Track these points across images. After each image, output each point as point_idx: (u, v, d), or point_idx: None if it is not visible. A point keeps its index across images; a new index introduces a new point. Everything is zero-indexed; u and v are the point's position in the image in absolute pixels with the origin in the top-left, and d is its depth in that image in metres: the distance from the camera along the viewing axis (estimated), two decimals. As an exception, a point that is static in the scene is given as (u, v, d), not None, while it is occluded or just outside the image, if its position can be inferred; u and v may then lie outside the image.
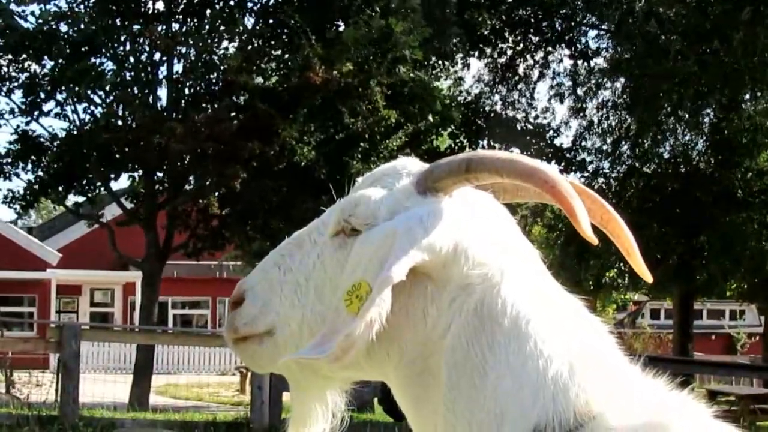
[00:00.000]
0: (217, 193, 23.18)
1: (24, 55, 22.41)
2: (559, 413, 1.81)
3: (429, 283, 1.97)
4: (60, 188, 23.03)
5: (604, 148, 28.25)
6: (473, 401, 1.88)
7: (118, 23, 22.50)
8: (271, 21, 23.60)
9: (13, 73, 22.64)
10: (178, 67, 23.24)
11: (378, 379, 2.13)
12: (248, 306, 2.18)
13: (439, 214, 1.97)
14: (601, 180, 28.09)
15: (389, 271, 1.87)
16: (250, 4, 24.03)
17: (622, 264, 25.62)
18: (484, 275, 1.95)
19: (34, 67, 22.72)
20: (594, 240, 1.92)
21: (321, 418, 2.15)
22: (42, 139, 22.84)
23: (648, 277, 2.23)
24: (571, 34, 28.55)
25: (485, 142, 27.61)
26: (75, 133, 22.69)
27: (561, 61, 29.75)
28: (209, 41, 22.93)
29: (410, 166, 2.14)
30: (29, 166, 22.80)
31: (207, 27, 22.93)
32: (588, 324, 1.98)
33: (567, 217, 1.92)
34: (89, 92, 22.29)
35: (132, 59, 23.00)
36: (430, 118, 23.03)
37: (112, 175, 23.72)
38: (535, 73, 29.46)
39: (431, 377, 1.96)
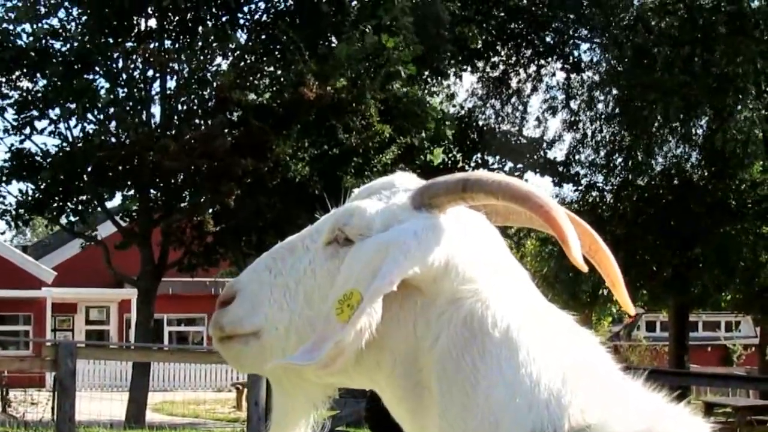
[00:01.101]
0: (211, 210, 23.16)
1: (17, 73, 22.42)
2: (553, 422, 1.81)
3: (419, 296, 1.99)
4: (54, 206, 23.00)
5: (598, 161, 28.27)
6: (466, 410, 1.88)
7: (111, 41, 22.50)
8: (264, 37, 23.65)
9: (6, 91, 22.62)
10: (171, 84, 23.29)
11: (366, 387, 2.13)
12: (236, 306, 2.19)
13: (433, 229, 1.98)
14: (595, 193, 28.13)
15: (381, 282, 1.90)
16: (242, 21, 24.08)
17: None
18: (474, 290, 1.96)
19: (27, 84, 22.75)
20: (584, 267, 1.96)
21: (303, 423, 2.15)
22: (36, 157, 22.81)
23: (631, 310, 2.25)
24: (563, 48, 28.61)
25: (479, 156, 27.63)
26: (68, 150, 22.68)
27: (554, 74, 29.82)
28: (202, 58, 22.96)
29: (407, 181, 2.17)
30: (22, 184, 22.80)
31: (200, 44, 22.96)
32: (581, 339, 1.99)
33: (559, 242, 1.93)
34: (82, 110, 22.29)
35: (125, 76, 23.02)
36: (424, 133, 23.03)
37: (106, 195, 23.68)
38: (528, 87, 29.52)
39: (426, 389, 1.97)
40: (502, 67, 29.25)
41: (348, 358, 1.92)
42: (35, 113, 22.58)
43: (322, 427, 2.19)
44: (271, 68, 23.34)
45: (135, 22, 23.02)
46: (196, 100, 23.18)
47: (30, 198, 22.73)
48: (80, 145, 22.64)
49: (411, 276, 1.94)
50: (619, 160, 27.91)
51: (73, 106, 21.99)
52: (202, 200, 22.72)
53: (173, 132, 22.50)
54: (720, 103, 23.76)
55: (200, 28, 23.03)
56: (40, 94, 22.40)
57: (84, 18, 22.52)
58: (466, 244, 2.02)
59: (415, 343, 1.99)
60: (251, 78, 22.76)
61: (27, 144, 22.89)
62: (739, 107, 23.48)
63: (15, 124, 22.64)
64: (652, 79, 23.62)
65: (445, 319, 1.96)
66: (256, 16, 24.10)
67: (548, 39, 28.91)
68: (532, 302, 2.02)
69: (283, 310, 2.14)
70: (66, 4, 22.45)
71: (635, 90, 24.57)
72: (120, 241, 23.56)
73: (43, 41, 22.12)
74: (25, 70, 22.32)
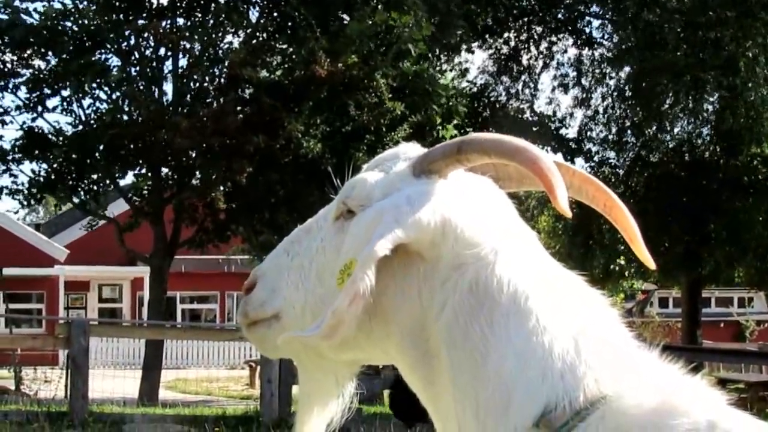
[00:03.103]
0: (223, 187, 23.17)
1: (28, 51, 22.39)
2: (568, 393, 1.78)
3: (421, 263, 1.97)
4: (66, 185, 22.99)
5: (609, 137, 28.25)
6: (477, 379, 1.86)
7: (123, 18, 22.46)
8: (275, 14, 23.58)
9: (18, 69, 22.62)
10: (183, 62, 23.25)
11: (382, 362, 2.14)
12: (258, 291, 2.24)
13: (427, 193, 1.97)
14: (607, 169, 28.10)
15: (371, 246, 1.88)
16: (254, -2, 24.01)
17: (630, 252, 25.66)
18: (476, 255, 1.93)
19: (39, 62, 22.75)
20: (568, 213, 1.89)
21: (329, 402, 2.17)
22: (49, 135, 22.81)
23: (651, 264, 2.21)
24: (575, 24, 28.53)
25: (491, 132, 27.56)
26: (80, 128, 22.69)
27: (565, 51, 29.74)
28: (214, 35, 22.93)
29: (410, 151, 2.16)
30: (35, 162, 22.79)
31: (211, 21, 22.92)
32: (592, 302, 1.95)
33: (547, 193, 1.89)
34: (94, 88, 22.30)
35: (137, 54, 23.00)
36: (436, 108, 22.93)
37: (118, 173, 23.66)
38: (539, 64, 29.46)
39: (435, 358, 1.95)
40: (513, 43, 29.20)
41: (349, 327, 1.89)
42: (47, 91, 22.56)
43: (351, 408, 2.19)
44: (283, 45, 23.29)
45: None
46: (207, 78, 23.16)
47: (42, 177, 22.74)
48: (93, 123, 22.65)
49: (407, 240, 1.91)
50: (631, 136, 27.89)
51: (83, 84, 21.94)
52: (213, 177, 22.72)
53: (185, 110, 22.50)
54: (729, 83, 23.68)
55: (212, 6, 22.98)
56: (53, 73, 22.38)
57: (95, -4, 22.48)
58: (465, 206, 1.99)
59: (421, 312, 1.97)
60: (263, 55, 22.73)
61: (39, 122, 22.92)
62: (750, 84, 23.39)
63: (27, 102, 22.64)
64: (662, 61, 23.54)
65: (449, 286, 1.93)
66: (268, -7, 24.04)
67: (559, 15, 28.84)
68: (542, 266, 1.98)
69: (299, 290, 2.16)
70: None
71: (646, 71, 24.49)
72: (128, 221, 23.59)
73: (55, 21, 22.06)
74: (36, 48, 22.28)
